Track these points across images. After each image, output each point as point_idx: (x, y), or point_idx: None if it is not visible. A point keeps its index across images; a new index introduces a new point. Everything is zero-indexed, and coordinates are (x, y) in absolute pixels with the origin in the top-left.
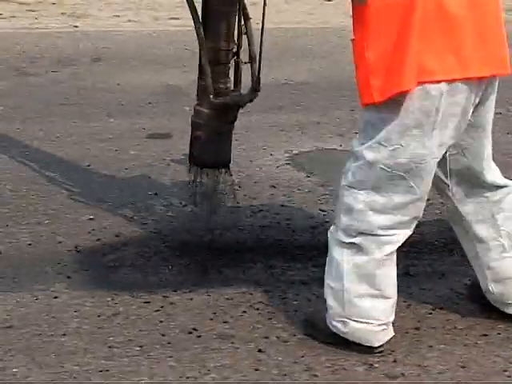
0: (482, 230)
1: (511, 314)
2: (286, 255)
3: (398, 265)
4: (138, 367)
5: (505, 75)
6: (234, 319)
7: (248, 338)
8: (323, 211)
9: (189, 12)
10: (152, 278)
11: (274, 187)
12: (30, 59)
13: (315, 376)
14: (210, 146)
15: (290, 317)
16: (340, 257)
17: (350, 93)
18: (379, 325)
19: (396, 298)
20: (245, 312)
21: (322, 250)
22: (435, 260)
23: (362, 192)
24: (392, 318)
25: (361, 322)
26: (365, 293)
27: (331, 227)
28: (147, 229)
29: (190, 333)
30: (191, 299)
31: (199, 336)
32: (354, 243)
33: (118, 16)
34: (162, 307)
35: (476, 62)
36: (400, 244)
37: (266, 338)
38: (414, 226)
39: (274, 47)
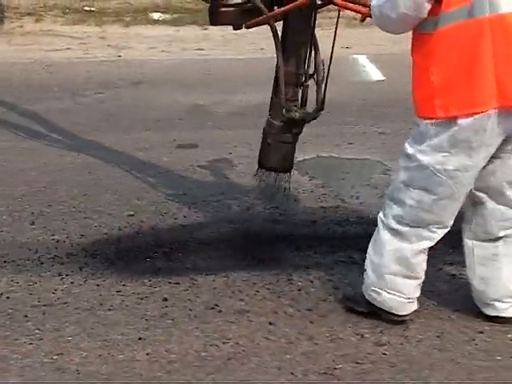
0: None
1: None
2: (291, 245)
3: None
4: (169, 337)
5: None
6: (249, 297)
7: (260, 313)
8: (323, 208)
9: (210, 43)
10: (180, 264)
11: None
12: (81, 83)
13: (316, 344)
14: (277, 153)
15: (295, 295)
16: (385, 238)
17: (339, 111)
18: (407, 298)
19: (423, 278)
20: (258, 291)
21: (322, 240)
22: None
23: (414, 190)
24: (417, 294)
25: (392, 294)
26: (399, 272)
27: (380, 212)
28: (177, 222)
29: (213, 308)
30: (214, 281)
31: (220, 311)
32: (400, 231)
33: (154, 47)
34: (189, 287)
35: None
36: (438, 239)
37: (276, 312)
38: (451, 224)
39: None
